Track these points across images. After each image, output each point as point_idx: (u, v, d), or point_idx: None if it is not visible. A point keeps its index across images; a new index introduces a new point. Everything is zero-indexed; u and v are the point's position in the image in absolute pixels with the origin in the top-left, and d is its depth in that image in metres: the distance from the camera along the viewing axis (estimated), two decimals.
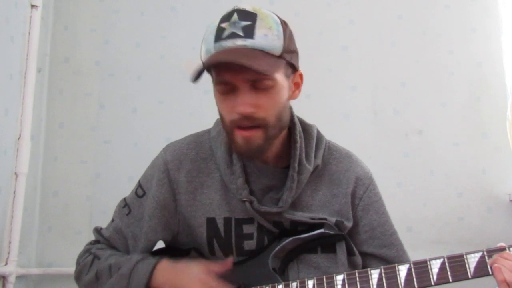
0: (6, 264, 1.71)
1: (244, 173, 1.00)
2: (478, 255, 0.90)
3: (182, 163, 1.05)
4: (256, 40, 0.88)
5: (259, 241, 1.00)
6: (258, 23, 0.89)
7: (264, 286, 0.96)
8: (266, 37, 0.88)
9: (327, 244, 1.00)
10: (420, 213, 1.88)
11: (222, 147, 1.03)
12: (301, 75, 0.99)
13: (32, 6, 1.87)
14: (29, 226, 1.83)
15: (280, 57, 0.90)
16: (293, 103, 2.06)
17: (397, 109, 1.98)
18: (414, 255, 1.84)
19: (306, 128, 1.07)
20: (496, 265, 0.84)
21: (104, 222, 1.87)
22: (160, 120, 1.96)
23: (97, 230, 1.15)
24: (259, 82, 0.89)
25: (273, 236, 1.00)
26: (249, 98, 0.89)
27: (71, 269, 1.82)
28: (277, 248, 0.99)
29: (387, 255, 1.07)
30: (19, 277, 1.77)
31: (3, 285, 1.70)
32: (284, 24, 0.94)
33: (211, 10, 2.05)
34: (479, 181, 1.92)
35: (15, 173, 1.77)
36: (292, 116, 1.03)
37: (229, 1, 2.11)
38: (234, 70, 0.87)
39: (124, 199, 1.14)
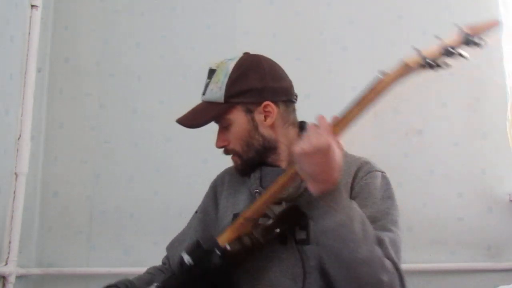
0: (6, 264, 1.71)
1: (259, 175, 1.15)
2: None
3: (225, 177, 1.27)
4: (206, 95, 1.13)
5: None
6: (212, 79, 1.13)
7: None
8: (212, 91, 1.12)
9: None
10: (420, 213, 1.88)
11: None
12: (267, 105, 1.11)
13: (32, 6, 1.87)
14: (29, 226, 1.83)
15: (226, 102, 1.10)
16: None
17: (397, 109, 1.98)
18: (414, 255, 1.86)
19: None
20: None
21: (104, 222, 1.88)
22: (160, 120, 1.96)
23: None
24: (220, 123, 1.14)
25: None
26: (220, 135, 1.15)
27: (71, 269, 1.84)
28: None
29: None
30: (19, 277, 1.77)
31: (3, 285, 1.70)
32: (236, 70, 1.10)
33: (211, 10, 2.05)
34: (479, 181, 1.92)
35: (15, 173, 1.77)
36: (303, 124, 1.16)
37: (229, 2, 2.13)
38: None
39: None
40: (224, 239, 0.99)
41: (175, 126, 1.95)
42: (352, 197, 1.05)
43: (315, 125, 0.92)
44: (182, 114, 1.96)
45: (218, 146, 1.16)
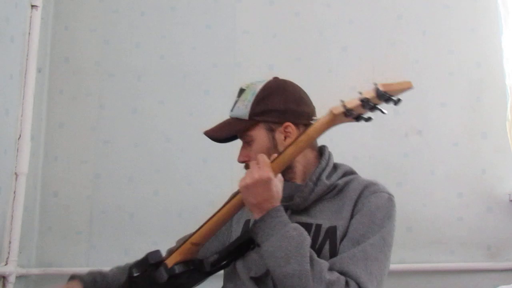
0: (6, 264, 1.71)
1: None
2: None
3: None
4: (233, 111, 1.21)
5: None
6: (240, 98, 1.21)
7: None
8: (238, 108, 1.20)
9: None
10: (420, 213, 1.88)
11: None
12: (288, 126, 1.17)
13: (32, 6, 1.87)
14: (29, 226, 1.83)
15: (250, 119, 1.17)
16: None
17: (397, 109, 1.97)
18: (414, 255, 1.85)
19: (337, 165, 1.23)
20: None
21: (104, 222, 1.88)
22: (160, 120, 1.96)
23: None
24: (243, 138, 1.20)
25: None
26: (242, 151, 1.21)
27: (71, 269, 1.84)
28: None
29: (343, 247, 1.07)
30: (19, 277, 1.77)
31: (3, 285, 1.70)
32: (263, 91, 1.19)
33: (211, 10, 2.05)
34: (479, 181, 1.92)
35: (15, 173, 1.77)
36: (323, 152, 1.23)
37: (229, 2, 2.13)
38: None
39: None
40: (171, 261, 1.07)
41: (175, 126, 1.97)
42: (353, 213, 1.10)
43: (256, 162, 1.05)
44: (181, 114, 1.98)
45: (240, 161, 1.21)
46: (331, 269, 1.01)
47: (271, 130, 1.18)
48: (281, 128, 1.18)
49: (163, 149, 1.94)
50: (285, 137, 1.18)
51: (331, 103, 2.06)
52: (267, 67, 2.00)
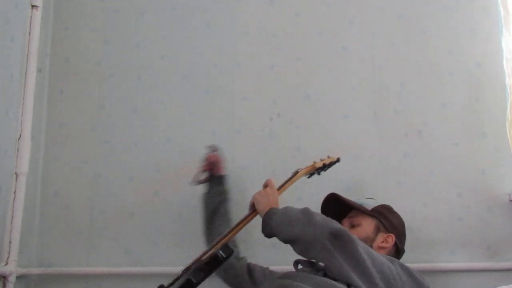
0: (7, 264, 1.71)
1: None
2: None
3: None
4: (361, 201, 1.58)
5: None
6: (371, 200, 1.61)
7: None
8: (366, 201, 1.58)
9: None
10: (420, 213, 1.88)
11: None
12: (390, 236, 1.49)
13: (33, 6, 1.88)
14: (29, 226, 1.83)
15: (371, 211, 1.52)
16: (294, 103, 2.06)
17: (397, 109, 1.98)
18: (414, 255, 1.85)
19: None
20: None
21: (104, 222, 1.89)
22: (160, 120, 1.96)
23: None
24: (352, 219, 1.54)
25: None
26: (344, 225, 1.51)
27: (72, 269, 1.84)
28: None
29: None
30: (20, 277, 1.77)
31: (4, 285, 1.70)
32: (385, 207, 1.58)
33: (211, 10, 2.05)
34: (479, 181, 1.92)
35: (16, 173, 1.77)
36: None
37: (229, 2, 2.13)
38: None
39: None
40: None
41: (175, 126, 1.97)
42: None
43: (265, 184, 1.54)
44: (181, 114, 1.98)
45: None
46: None
47: (378, 229, 1.50)
48: (385, 234, 1.49)
49: (163, 149, 1.95)
50: (383, 241, 1.48)
51: (331, 103, 2.05)
52: (267, 67, 2.01)
